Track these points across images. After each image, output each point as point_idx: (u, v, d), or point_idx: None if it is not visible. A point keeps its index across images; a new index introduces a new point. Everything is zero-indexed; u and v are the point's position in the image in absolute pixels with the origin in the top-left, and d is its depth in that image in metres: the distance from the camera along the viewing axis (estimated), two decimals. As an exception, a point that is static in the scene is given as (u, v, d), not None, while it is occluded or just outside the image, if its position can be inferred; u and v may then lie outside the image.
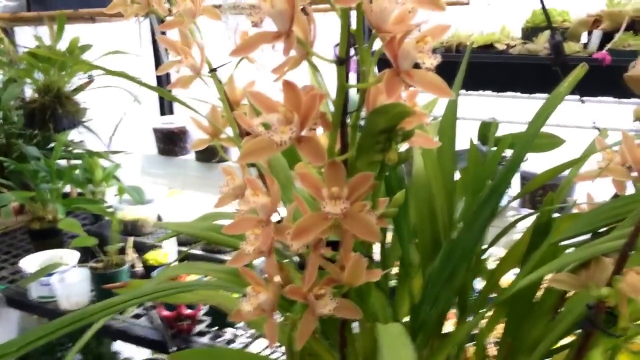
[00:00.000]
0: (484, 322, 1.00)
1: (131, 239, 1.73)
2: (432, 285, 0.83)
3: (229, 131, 0.92)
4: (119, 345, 2.06)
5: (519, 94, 1.30)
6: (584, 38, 1.28)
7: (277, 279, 0.60)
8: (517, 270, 0.97)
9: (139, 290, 0.66)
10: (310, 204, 0.58)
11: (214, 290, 0.75)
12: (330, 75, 0.57)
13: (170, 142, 1.89)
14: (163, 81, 2.12)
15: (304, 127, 0.48)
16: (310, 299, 0.58)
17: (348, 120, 0.54)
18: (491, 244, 0.91)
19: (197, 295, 0.76)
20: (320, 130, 0.56)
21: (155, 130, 1.91)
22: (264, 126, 0.67)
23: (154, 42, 2.00)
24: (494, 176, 0.85)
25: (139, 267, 1.71)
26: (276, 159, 0.93)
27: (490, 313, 0.92)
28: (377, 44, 0.51)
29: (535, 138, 0.85)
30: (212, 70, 0.91)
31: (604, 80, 1.13)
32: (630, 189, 0.76)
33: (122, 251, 1.70)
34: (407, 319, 0.91)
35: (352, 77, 0.60)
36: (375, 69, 0.58)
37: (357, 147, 0.53)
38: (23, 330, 1.92)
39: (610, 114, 1.18)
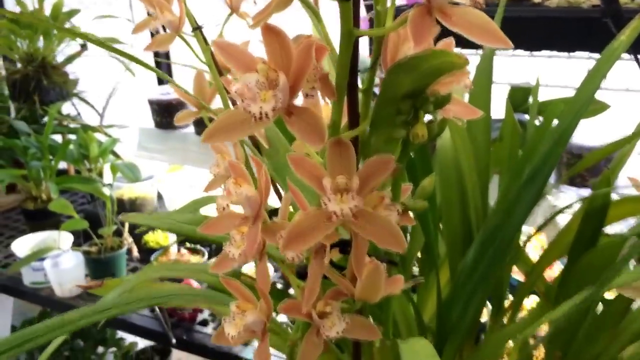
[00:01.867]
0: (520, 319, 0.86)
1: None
2: (464, 284, 0.69)
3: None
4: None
5: (555, 52, 1.13)
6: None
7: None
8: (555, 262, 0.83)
9: (103, 302, 0.53)
10: (310, 195, 0.44)
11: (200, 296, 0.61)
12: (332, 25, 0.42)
13: (168, 115, 1.75)
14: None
15: (295, 92, 0.33)
16: (313, 318, 0.45)
17: (359, 84, 0.39)
18: (535, 232, 0.77)
19: (182, 299, 0.63)
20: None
21: (151, 102, 1.77)
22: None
23: (149, 6, 1.85)
24: (535, 151, 0.70)
25: (135, 251, 1.59)
26: (275, 131, 0.79)
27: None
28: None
29: (590, 103, 0.70)
30: (196, 29, 0.76)
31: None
32: None
33: (119, 233, 1.58)
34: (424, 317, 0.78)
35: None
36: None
37: (371, 119, 0.38)
38: (19, 317, 1.82)
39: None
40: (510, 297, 0.95)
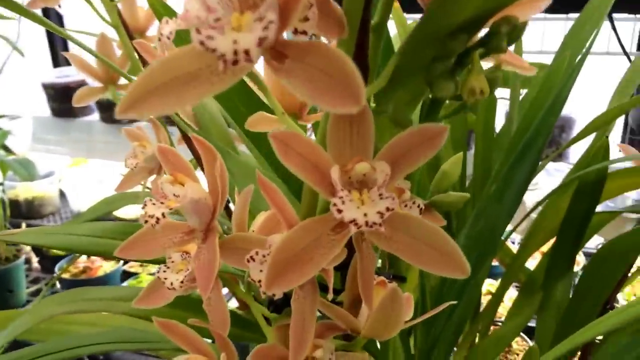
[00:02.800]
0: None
1: (23, 225, 1.38)
2: (450, 286, 0.57)
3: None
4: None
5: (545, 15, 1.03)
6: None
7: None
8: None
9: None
10: (289, 196, 0.30)
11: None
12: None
13: (67, 100, 1.50)
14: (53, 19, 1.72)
15: (290, 17, 0.19)
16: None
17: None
18: (522, 219, 0.66)
19: (107, 346, 0.46)
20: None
21: (46, 87, 1.53)
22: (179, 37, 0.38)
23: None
24: (527, 124, 0.60)
25: (35, 260, 1.37)
26: (202, 105, 0.64)
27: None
28: None
29: (581, 65, 0.60)
30: (97, -21, 0.59)
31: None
32: None
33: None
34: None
35: None
36: None
37: (393, 68, 0.24)
38: None
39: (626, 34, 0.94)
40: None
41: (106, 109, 1.49)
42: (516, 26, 0.22)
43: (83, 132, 1.55)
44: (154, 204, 0.28)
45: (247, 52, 0.17)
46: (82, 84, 1.56)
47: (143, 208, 0.28)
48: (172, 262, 0.33)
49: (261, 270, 0.27)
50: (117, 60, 0.63)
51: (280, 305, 0.33)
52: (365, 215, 0.22)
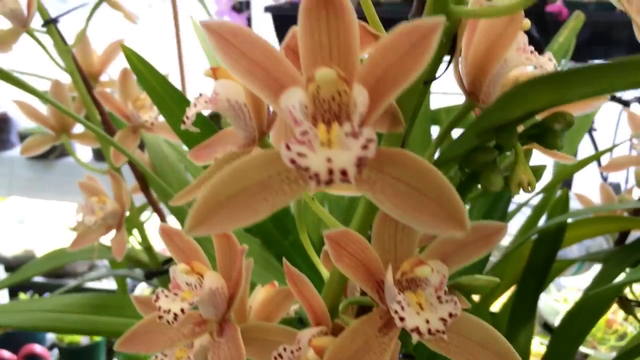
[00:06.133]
0: None
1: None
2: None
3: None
4: None
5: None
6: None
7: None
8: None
9: None
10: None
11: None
12: None
13: (-14, 134, 1.41)
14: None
15: (372, 118, 0.17)
16: None
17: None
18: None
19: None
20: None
21: (-38, 119, 1.42)
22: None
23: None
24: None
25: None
26: (157, 145, 0.60)
27: None
28: None
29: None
30: (49, 22, 0.56)
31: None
32: None
33: None
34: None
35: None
36: None
37: (439, 159, 0.24)
38: None
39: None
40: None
41: (31, 144, 1.39)
42: (570, 121, 0.22)
43: (3, 167, 1.45)
44: (166, 296, 0.26)
45: (343, 172, 0.15)
46: (2, 117, 1.46)
47: (156, 302, 0.26)
48: (165, 356, 0.30)
49: (290, 369, 0.25)
50: (71, 107, 0.58)
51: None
52: (427, 322, 0.21)
